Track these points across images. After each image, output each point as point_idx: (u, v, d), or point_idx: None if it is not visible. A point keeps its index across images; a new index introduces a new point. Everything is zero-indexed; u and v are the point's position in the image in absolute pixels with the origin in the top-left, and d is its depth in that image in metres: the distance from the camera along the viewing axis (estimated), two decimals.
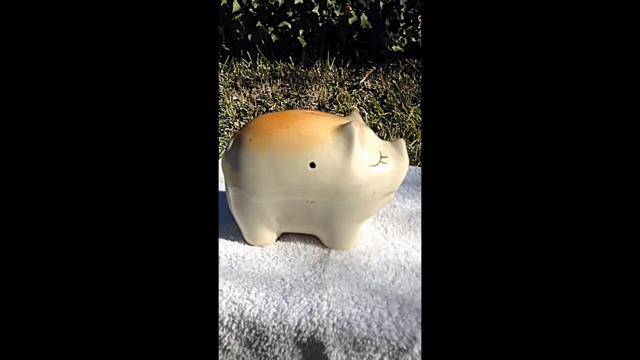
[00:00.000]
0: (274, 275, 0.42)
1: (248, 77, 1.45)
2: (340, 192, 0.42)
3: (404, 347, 0.35)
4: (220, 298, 0.40)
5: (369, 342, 0.36)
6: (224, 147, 1.20)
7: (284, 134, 0.42)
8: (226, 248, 0.47)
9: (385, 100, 1.25)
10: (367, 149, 0.42)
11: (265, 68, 1.48)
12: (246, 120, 1.27)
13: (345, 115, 1.19)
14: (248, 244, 0.47)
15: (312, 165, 0.41)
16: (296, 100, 1.32)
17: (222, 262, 0.45)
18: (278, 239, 0.48)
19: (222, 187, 0.60)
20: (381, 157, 0.43)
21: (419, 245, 0.46)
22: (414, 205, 0.54)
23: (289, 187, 0.42)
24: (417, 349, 0.35)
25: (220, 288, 0.41)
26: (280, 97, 1.34)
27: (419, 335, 0.35)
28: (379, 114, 1.19)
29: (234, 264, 0.44)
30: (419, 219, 0.51)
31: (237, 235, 0.48)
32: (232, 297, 0.40)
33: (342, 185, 0.42)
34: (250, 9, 1.43)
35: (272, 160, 0.42)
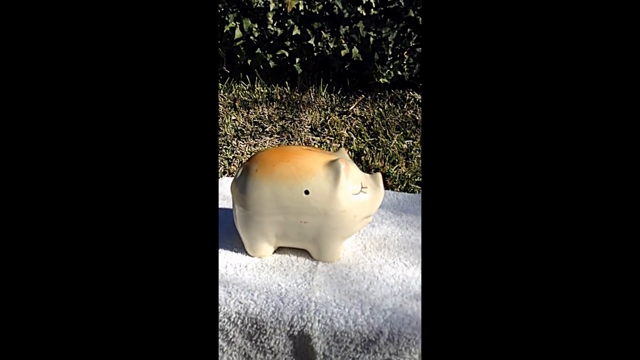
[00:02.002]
0: (272, 282, 0.52)
1: (246, 98, 1.55)
2: (328, 215, 0.52)
3: (373, 339, 0.45)
4: (229, 298, 0.49)
5: (346, 335, 0.46)
6: (222, 163, 1.30)
7: (284, 167, 0.52)
8: (232, 258, 0.56)
9: (371, 127, 1.36)
10: (350, 181, 0.52)
11: (262, 91, 1.58)
12: (244, 140, 1.36)
13: (335, 139, 1.30)
14: (249, 255, 0.57)
15: (306, 192, 0.52)
16: (290, 122, 1.42)
17: (229, 270, 0.54)
18: (275, 252, 0.57)
19: (227, 205, 0.69)
20: (362, 187, 0.53)
21: (390, 260, 0.56)
22: (390, 226, 0.64)
23: (287, 209, 0.52)
24: (382, 340, 0.45)
25: (229, 291, 0.50)
26: (275, 119, 1.44)
27: (384, 330, 0.45)
28: (366, 140, 1.30)
29: (239, 272, 0.54)
30: (393, 238, 0.61)
31: (240, 248, 0.58)
32: (239, 298, 0.49)
33: (329, 210, 0.52)
34: (251, 37, 1.54)
35: (273, 187, 0.52)
